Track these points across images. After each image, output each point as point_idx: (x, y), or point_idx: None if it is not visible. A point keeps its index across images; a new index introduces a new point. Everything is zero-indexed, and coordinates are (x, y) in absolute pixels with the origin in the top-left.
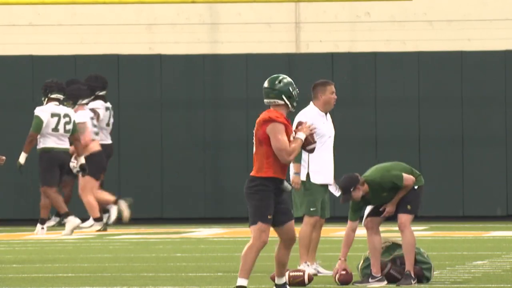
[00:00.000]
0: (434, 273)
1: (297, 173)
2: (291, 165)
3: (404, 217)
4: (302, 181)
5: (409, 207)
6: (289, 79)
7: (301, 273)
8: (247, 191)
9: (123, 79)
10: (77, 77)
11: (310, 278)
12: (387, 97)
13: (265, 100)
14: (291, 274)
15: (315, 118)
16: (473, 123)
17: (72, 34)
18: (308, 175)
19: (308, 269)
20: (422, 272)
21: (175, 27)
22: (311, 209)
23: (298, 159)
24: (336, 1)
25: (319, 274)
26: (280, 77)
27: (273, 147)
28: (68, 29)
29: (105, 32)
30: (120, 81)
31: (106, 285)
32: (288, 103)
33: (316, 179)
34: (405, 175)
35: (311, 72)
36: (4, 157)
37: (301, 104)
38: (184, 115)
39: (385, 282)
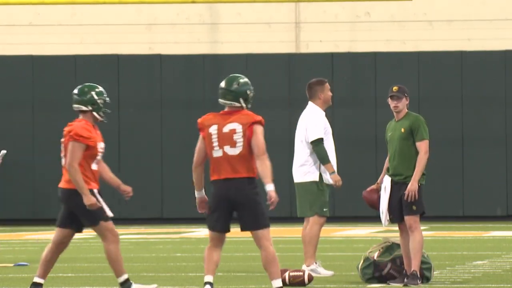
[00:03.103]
0: (434, 273)
1: (334, 172)
2: (306, 168)
3: (412, 219)
4: (315, 182)
5: (414, 207)
6: (246, 79)
7: (301, 273)
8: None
9: (123, 79)
10: (77, 77)
11: (310, 278)
12: (387, 97)
13: (220, 100)
14: (291, 274)
15: (322, 117)
16: (473, 123)
17: (72, 34)
18: (320, 176)
19: (320, 269)
20: (422, 272)
21: (175, 27)
22: (324, 210)
23: (329, 159)
24: (336, 1)
25: (318, 275)
26: (238, 78)
27: None
28: (68, 29)
29: (105, 32)
30: (120, 81)
31: (106, 285)
32: (244, 105)
33: (328, 179)
34: (426, 142)
35: (311, 72)
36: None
37: (303, 104)
38: (184, 115)
39: (420, 279)
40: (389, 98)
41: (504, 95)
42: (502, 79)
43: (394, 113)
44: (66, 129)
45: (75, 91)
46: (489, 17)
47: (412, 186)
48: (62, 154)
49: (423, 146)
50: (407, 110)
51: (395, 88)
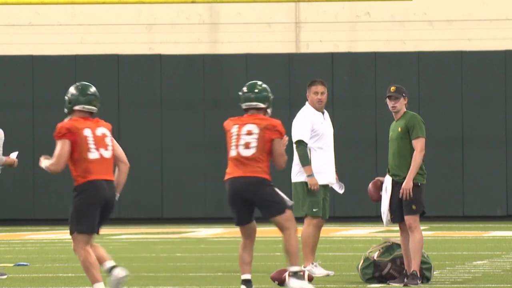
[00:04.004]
0: (434, 273)
1: (311, 175)
2: (297, 168)
3: (411, 219)
4: (305, 182)
5: (414, 207)
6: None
7: (301, 273)
8: None
9: (123, 79)
10: (77, 77)
11: (310, 278)
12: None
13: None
14: None
15: (312, 118)
16: (473, 123)
17: (72, 34)
18: None
19: (316, 270)
20: (422, 272)
21: (175, 27)
22: (314, 210)
23: (308, 161)
24: (336, 1)
25: (317, 275)
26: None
27: None
28: (68, 29)
29: (105, 32)
30: (120, 81)
31: (106, 285)
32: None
33: (317, 179)
34: (422, 140)
35: (311, 72)
36: (16, 160)
37: (302, 104)
38: (184, 115)
39: (420, 279)
40: (387, 98)
41: (504, 95)
42: (502, 79)
43: (393, 113)
44: (262, 123)
45: (246, 89)
46: (489, 17)
47: (407, 184)
48: (246, 145)
49: (418, 144)
50: (405, 110)
51: (392, 88)
